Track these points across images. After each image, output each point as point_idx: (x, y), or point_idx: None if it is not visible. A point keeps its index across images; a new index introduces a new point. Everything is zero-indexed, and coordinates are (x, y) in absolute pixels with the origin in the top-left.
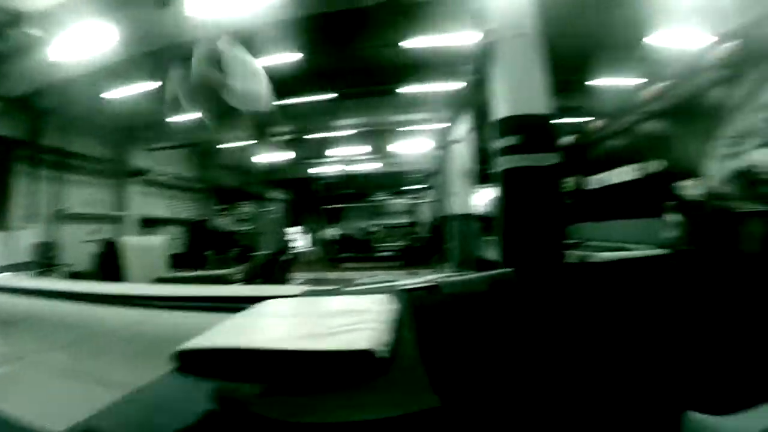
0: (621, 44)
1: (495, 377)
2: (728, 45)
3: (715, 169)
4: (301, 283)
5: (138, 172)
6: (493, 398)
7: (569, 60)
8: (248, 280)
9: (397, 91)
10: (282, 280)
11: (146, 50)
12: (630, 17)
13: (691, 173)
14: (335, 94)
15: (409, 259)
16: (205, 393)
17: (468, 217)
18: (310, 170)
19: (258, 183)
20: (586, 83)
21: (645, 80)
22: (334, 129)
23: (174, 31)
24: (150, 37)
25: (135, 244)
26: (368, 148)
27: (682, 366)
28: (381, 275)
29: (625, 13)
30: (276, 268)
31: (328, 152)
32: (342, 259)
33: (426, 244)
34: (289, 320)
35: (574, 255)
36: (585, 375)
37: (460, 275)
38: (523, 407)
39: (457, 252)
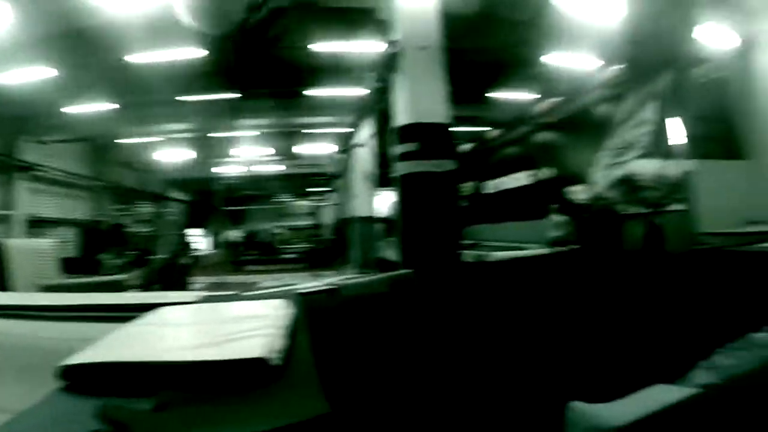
0: (520, 61)
1: (390, 379)
2: (613, 68)
3: (600, 177)
4: (202, 289)
5: (26, 167)
6: (387, 401)
7: (472, 73)
8: (145, 285)
9: (304, 93)
10: (181, 286)
11: (43, 34)
12: (529, 38)
13: (579, 179)
14: (240, 94)
15: (313, 261)
16: (91, 412)
17: (370, 220)
18: (213, 170)
19: (158, 182)
20: (487, 95)
21: (540, 95)
22: (239, 128)
23: (73, 15)
24: (48, 20)
25: (21, 247)
26: (273, 150)
27: (568, 358)
28: (284, 278)
29: (524, 33)
30: (175, 273)
31: (232, 152)
32: (245, 261)
33: (330, 246)
34: (184, 329)
35: (471, 255)
36: (479, 372)
37: (360, 277)
38: (416, 407)
39: (360, 254)
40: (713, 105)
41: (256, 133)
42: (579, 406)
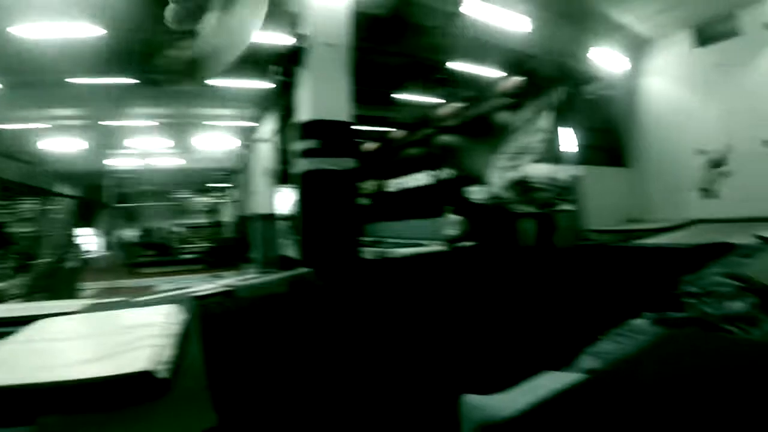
0: (427, 66)
1: (283, 385)
2: (514, 79)
3: (497, 178)
4: (92, 295)
5: None
6: (280, 408)
7: (380, 74)
8: (28, 294)
9: (206, 83)
10: (70, 293)
11: None
12: (437, 44)
13: (477, 180)
14: (137, 80)
15: (214, 261)
16: None
17: (271, 218)
18: (106, 163)
19: (44, 175)
20: (394, 97)
21: (444, 99)
22: (135, 117)
23: None
24: None
25: None
26: (171, 142)
27: (463, 351)
28: (180, 280)
29: (433, 39)
30: (63, 279)
31: (127, 143)
32: (141, 263)
33: (231, 245)
34: (66, 343)
35: (371, 252)
36: (375, 368)
37: (259, 277)
38: (308, 411)
39: (261, 253)
40: (601, 119)
41: (154, 123)
42: (471, 399)
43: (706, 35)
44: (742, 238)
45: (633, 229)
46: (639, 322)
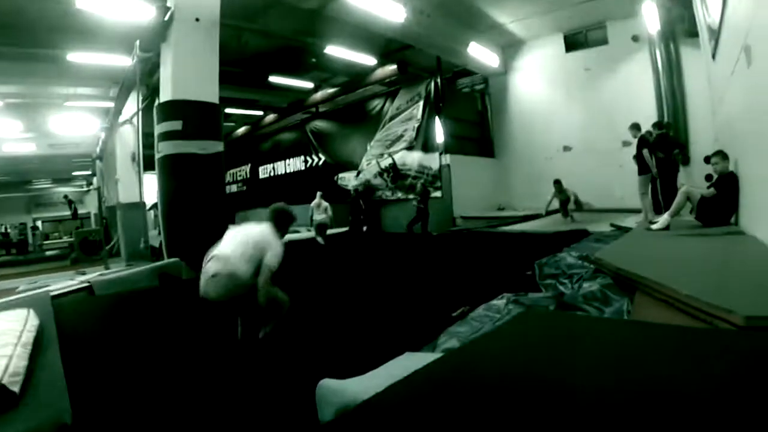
0: (303, 50)
1: (143, 380)
2: (389, 67)
3: (369, 165)
4: None
5: None
6: (139, 406)
7: (253, 56)
8: None
9: (61, 57)
10: None
11: None
12: (314, 28)
13: (350, 166)
14: None
15: (78, 255)
16: None
17: (137, 206)
18: None
19: None
20: (268, 80)
21: (319, 84)
22: None
23: None
24: None
25: None
26: (21, 125)
27: (328, 337)
28: (42, 279)
29: (310, 23)
30: None
31: None
32: None
33: (96, 237)
34: None
35: None
36: (233, 359)
37: (122, 271)
38: (169, 408)
39: (129, 244)
40: (472, 111)
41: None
42: (328, 384)
43: (576, 41)
44: (598, 226)
45: (498, 216)
46: (496, 303)
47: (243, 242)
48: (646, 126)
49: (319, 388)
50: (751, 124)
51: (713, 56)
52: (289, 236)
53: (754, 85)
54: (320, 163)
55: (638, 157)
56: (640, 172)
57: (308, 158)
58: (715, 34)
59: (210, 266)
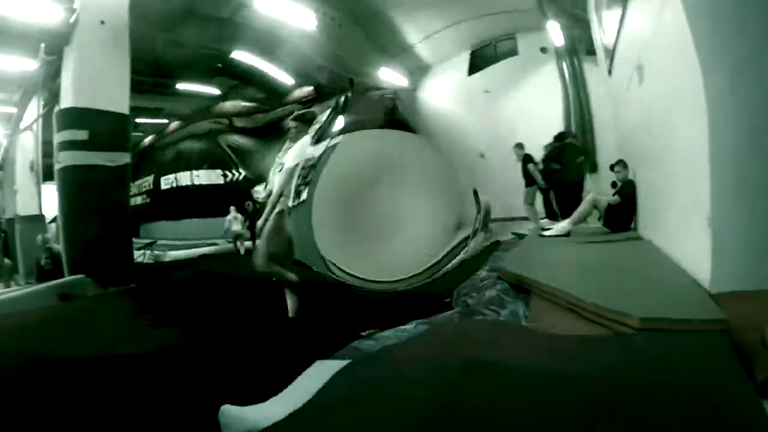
0: (212, 57)
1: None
2: (306, 89)
3: (274, 174)
4: None
5: None
6: None
7: (161, 62)
8: None
9: None
10: None
11: None
12: (224, 35)
13: (261, 180)
14: None
15: None
16: None
17: (36, 219)
18: None
19: None
20: (176, 87)
21: (226, 91)
22: None
23: None
24: None
25: None
26: None
27: (232, 357)
28: None
29: (220, 30)
30: None
31: None
32: None
33: None
34: None
35: (146, 255)
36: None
37: (19, 290)
38: None
39: (27, 261)
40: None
41: None
42: (232, 409)
43: (484, 55)
44: (504, 235)
45: None
46: (408, 326)
47: None
48: (548, 138)
49: (221, 412)
50: (645, 135)
51: (609, 72)
52: (205, 249)
53: (646, 101)
54: (240, 178)
55: (524, 172)
56: (527, 185)
57: (227, 173)
58: (610, 54)
59: None
